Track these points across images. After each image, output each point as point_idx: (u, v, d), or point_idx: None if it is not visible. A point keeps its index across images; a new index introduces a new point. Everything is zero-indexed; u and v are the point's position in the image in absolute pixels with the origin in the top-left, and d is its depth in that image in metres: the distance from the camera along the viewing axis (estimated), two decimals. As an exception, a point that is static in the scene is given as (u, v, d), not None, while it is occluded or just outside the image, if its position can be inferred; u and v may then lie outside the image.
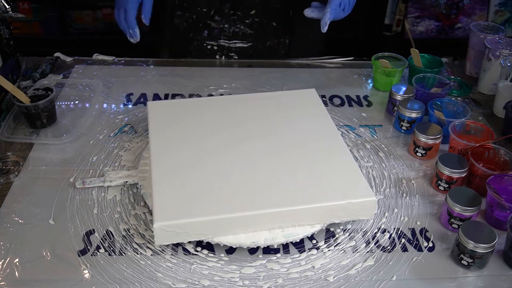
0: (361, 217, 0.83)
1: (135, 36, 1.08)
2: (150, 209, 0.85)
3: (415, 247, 0.82)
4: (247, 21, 1.26)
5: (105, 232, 0.83)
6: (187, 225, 0.76)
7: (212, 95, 1.18)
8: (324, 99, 1.18)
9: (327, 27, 1.03)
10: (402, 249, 0.81)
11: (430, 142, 0.97)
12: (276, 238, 0.79)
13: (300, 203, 0.79)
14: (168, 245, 0.81)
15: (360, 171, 0.85)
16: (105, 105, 1.14)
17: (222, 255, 0.80)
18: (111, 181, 0.90)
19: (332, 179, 0.83)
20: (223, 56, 1.32)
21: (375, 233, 0.84)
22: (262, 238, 0.78)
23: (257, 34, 1.28)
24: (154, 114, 0.98)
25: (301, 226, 0.80)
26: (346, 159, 0.88)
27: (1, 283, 0.74)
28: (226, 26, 1.26)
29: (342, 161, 0.87)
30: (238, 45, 1.29)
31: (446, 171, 0.89)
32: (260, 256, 0.80)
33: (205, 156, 0.87)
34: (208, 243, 0.80)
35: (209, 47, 1.28)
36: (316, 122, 0.98)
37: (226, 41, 1.28)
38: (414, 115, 1.04)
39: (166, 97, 1.17)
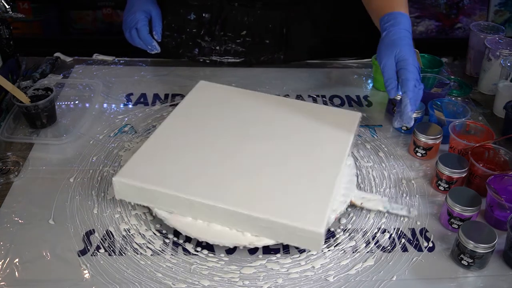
0: (305, 247, 0.78)
1: (155, 49, 1.14)
2: None
3: (415, 247, 0.82)
4: (238, 40, 1.23)
5: (105, 232, 0.83)
6: (144, 191, 0.81)
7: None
8: (324, 99, 1.18)
9: (413, 121, 0.95)
10: (402, 249, 0.81)
11: (430, 142, 0.97)
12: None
13: (243, 208, 0.76)
14: (168, 245, 0.81)
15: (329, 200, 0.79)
16: (105, 105, 1.14)
17: (222, 255, 0.79)
18: None
19: (293, 198, 0.78)
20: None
21: (375, 233, 0.84)
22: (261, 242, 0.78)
23: (250, 51, 1.25)
24: (195, 94, 1.01)
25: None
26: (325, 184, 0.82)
27: (1, 283, 0.74)
28: (217, 48, 1.24)
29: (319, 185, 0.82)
30: (230, 60, 1.26)
31: (446, 171, 0.89)
32: (260, 256, 0.80)
33: (203, 144, 0.88)
34: (208, 243, 0.80)
35: (201, 60, 1.26)
36: (332, 145, 0.90)
37: (218, 57, 1.26)
38: (414, 115, 1.04)
39: (166, 97, 1.17)
